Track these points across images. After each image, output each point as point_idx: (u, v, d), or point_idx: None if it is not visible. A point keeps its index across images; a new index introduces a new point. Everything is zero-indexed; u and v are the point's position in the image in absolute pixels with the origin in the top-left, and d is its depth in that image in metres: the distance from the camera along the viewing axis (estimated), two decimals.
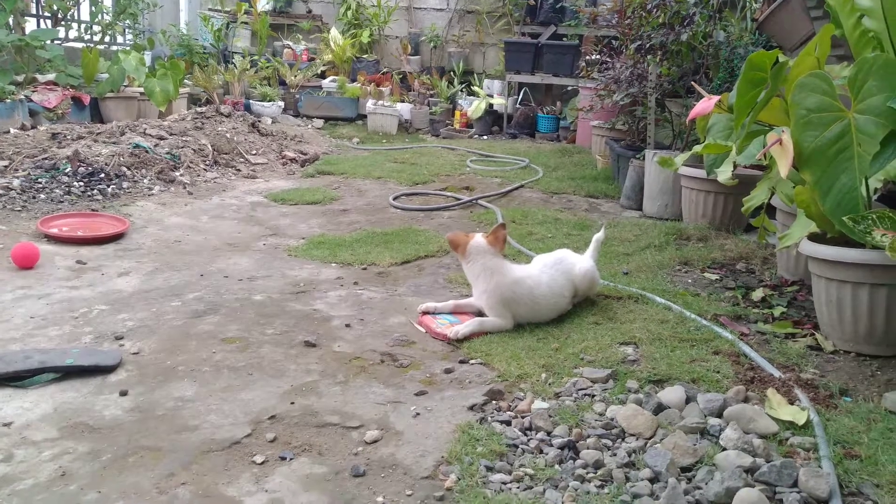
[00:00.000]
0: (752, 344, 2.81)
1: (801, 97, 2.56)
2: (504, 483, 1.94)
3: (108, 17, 8.48)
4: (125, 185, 5.15)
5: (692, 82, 4.43)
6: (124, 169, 5.34)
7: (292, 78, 9.40)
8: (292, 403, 2.36)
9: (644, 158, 5.09)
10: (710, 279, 3.60)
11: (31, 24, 7.86)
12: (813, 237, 2.85)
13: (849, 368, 2.64)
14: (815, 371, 2.60)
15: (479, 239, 3.04)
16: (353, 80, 9.69)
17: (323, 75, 9.93)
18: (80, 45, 8.30)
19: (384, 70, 10.16)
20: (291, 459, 2.06)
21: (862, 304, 2.65)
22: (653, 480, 1.96)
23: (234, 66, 9.16)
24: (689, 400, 2.32)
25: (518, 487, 1.93)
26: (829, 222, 2.62)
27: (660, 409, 2.27)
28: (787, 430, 2.18)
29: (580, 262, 3.16)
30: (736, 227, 4.38)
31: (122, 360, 2.61)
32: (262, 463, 2.04)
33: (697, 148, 3.52)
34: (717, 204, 4.39)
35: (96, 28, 8.56)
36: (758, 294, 3.33)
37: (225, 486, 1.93)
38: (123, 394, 2.39)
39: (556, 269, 3.08)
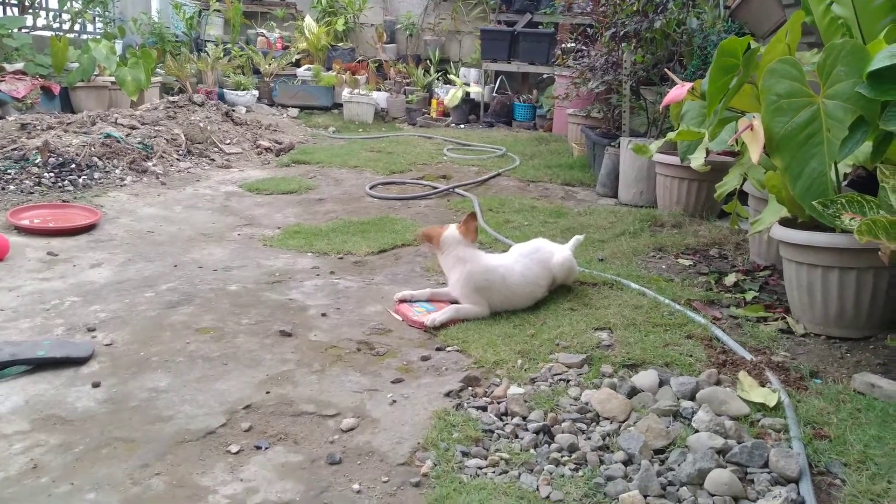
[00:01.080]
0: (725, 328, 2.85)
1: (771, 83, 2.58)
2: (480, 468, 1.95)
3: (77, 5, 8.33)
4: (97, 175, 5.08)
5: (666, 69, 4.46)
6: (96, 159, 5.26)
7: (266, 66, 9.31)
8: (268, 393, 2.35)
9: (619, 146, 5.12)
10: (684, 265, 3.63)
11: None
12: (784, 222, 2.89)
13: (819, 351, 2.69)
14: (786, 354, 2.64)
15: (452, 230, 3.05)
16: (329, 69, 9.62)
17: (298, 64, 9.84)
18: (48, 33, 8.15)
19: (360, 58, 10.09)
20: (267, 448, 2.05)
21: (832, 287, 2.69)
22: (626, 463, 1.98)
23: (207, 54, 9.04)
24: (662, 383, 2.35)
25: (494, 472, 1.94)
26: (800, 207, 2.65)
27: (633, 392, 2.30)
28: (758, 412, 2.21)
29: (558, 252, 3.18)
30: (709, 214, 4.43)
31: (94, 351, 2.58)
32: (237, 452, 2.03)
33: (671, 135, 3.55)
34: (691, 190, 4.43)
35: (65, 16, 8.40)
36: (730, 279, 3.37)
37: (199, 475, 1.92)
38: (96, 385, 2.37)
39: (532, 258, 3.09)
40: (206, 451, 2.04)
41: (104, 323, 2.85)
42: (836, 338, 2.76)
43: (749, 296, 3.18)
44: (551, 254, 3.15)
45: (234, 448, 2.04)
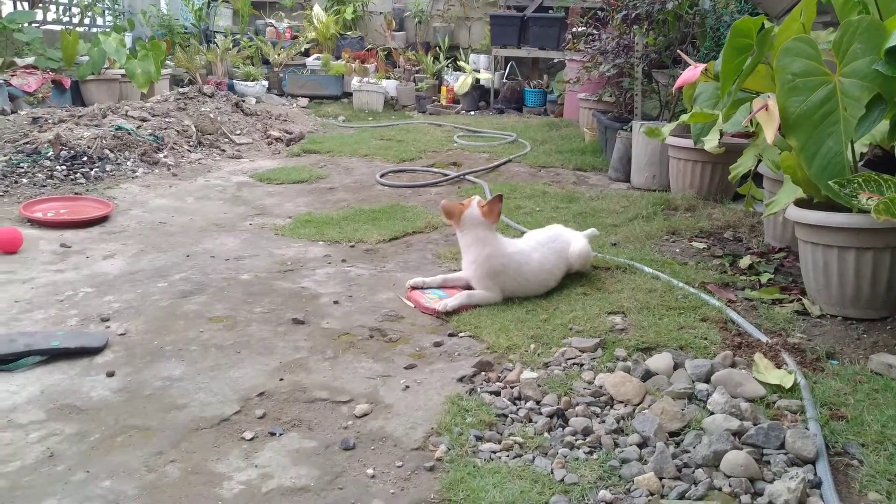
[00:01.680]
0: (740, 310, 2.82)
1: (786, 62, 2.54)
2: (494, 452, 1.95)
3: None
4: (108, 167, 5.10)
5: (679, 51, 4.41)
6: (107, 152, 5.28)
7: (276, 56, 9.29)
8: (281, 380, 2.36)
9: (631, 130, 5.07)
10: (698, 248, 3.60)
11: (7, 7, 7.73)
12: (799, 203, 2.85)
13: (835, 332, 2.66)
14: (802, 335, 2.62)
15: (474, 208, 3.01)
16: (338, 58, 9.59)
17: (307, 53, 9.82)
18: (58, 27, 8.17)
19: (369, 47, 10.05)
20: (281, 435, 2.06)
21: (848, 268, 2.66)
22: (641, 445, 1.97)
23: (217, 45, 9.04)
24: (676, 366, 2.33)
25: (508, 456, 1.94)
26: (816, 187, 2.62)
27: (648, 375, 2.28)
28: (774, 394, 2.19)
29: (575, 241, 3.14)
30: (723, 196, 4.38)
31: (108, 341, 2.59)
32: (252, 439, 2.03)
33: (684, 117, 3.51)
34: (705, 173, 4.38)
35: (75, 10, 8.42)
36: (745, 261, 3.33)
37: (214, 462, 1.93)
38: (110, 375, 2.38)
39: (549, 247, 3.05)
40: (221, 438, 2.05)
41: (118, 313, 2.86)
42: (852, 319, 2.73)
43: (764, 278, 3.15)
44: (568, 243, 3.11)
45: (248, 435, 2.05)
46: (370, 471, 1.89)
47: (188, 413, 2.17)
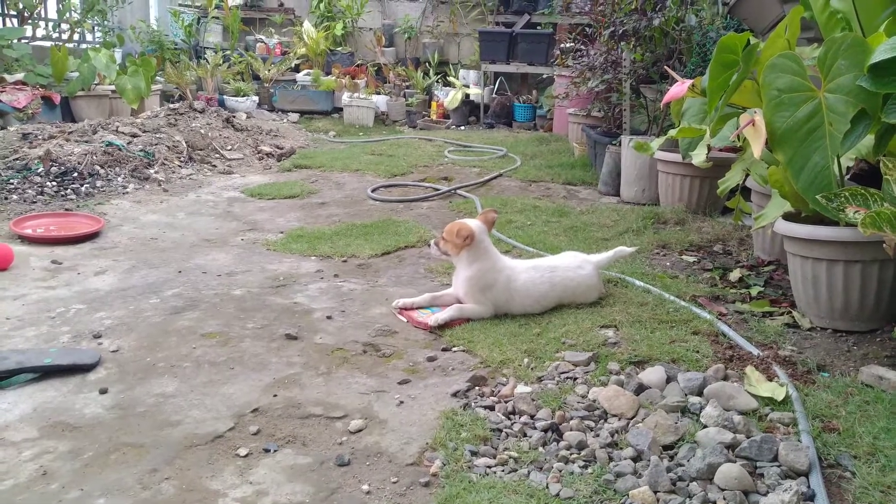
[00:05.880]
0: (731, 323, 2.85)
1: (772, 78, 2.59)
2: (489, 467, 1.96)
3: (76, 15, 8.35)
4: (99, 183, 5.09)
5: (665, 67, 4.46)
6: (98, 167, 5.27)
7: (266, 72, 9.32)
8: (275, 396, 2.35)
9: (620, 144, 5.12)
10: (688, 261, 3.63)
11: None
12: (787, 216, 2.89)
13: (826, 344, 2.68)
14: (792, 348, 2.64)
15: (478, 222, 3.03)
16: (328, 73, 9.62)
17: (297, 69, 9.85)
18: (48, 43, 8.17)
19: (359, 62, 10.10)
20: (275, 451, 2.06)
21: (837, 280, 2.69)
22: (636, 459, 1.98)
23: (207, 61, 9.05)
24: (669, 379, 2.35)
25: (503, 471, 1.94)
26: (803, 201, 2.66)
27: (641, 389, 2.30)
28: (766, 406, 2.21)
29: (579, 271, 3.04)
30: (712, 210, 4.42)
31: (101, 358, 2.59)
32: (246, 456, 2.03)
33: (672, 132, 3.55)
34: (693, 187, 4.43)
35: (64, 26, 8.42)
36: (735, 274, 3.37)
37: (209, 479, 1.93)
38: (103, 392, 2.37)
39: (542, 274, 2.98)
40: (215, 454, 2.04)
41: (110, 330, 2.85)
42: (842, 331, 2.76)
43: (754, 291, 3.18)
44: (567, 276, 3.01)
45: (242, 451, 2.04)
46: (365, 487, 1.89)
47: (182, 430, 2.16)
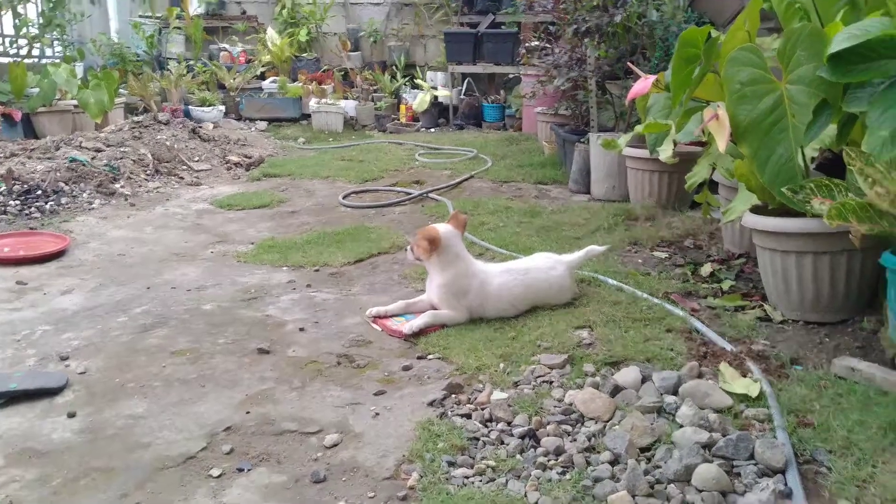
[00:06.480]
0: (704, 319, 2.85)
1: (733, 71, 2.60)
2: (466, 477, 1.94)
3: (34, 30, 8.16)
4: (64, 200, 4.99)
5: (629, 63, 4.48)
6: (62, 184, 5.17)
7: (231, 81, 9.21)
8: (248, 413, 2.31)
9: (588, 142, 5.13)
10: (660, 257, 3.65)
11: None
12: (755, 209, 2.90)
13: (798, 337, 2.70)
14: (765, 342, 2.65)
15: (447, 227, 3.00)
16: (294, 80, 9.54)
17: (263, 76, 9.76)
18: (5, 59, 7.99)
19: (325, 68, 10.02)
20: (249, 470, 2.02)
21: (806, 272, 2.71)
22: (613, 463, 1.97)
23: (170, 72, 8.91)
24: (644, 379, 2.35)
25: (481, 481, 1.92)
26: (770, 194, 2.67)
27: (616, 390, 2.29)
28: (741, 403, 2.22)
29: (551, 272, 3.03)
30: (681, 205, 4.44)
31: (68, 380, 2.52)
32: (219, 476, 1.99)
33: (639, 128, 3.56)
34: (662, 182, 4.45)
35: (22, 41, 8.24)
36: (706, 269, 3.38)
37: (181, 502, 1.88)
38: (71, 415, 2.32)
39: (516, 277, 2.96)
40: (187, 476, 2.00)
41: (77, 351, 2.79)
42: (813, 323, 2.78)
43: (725, 285, 3.20)
44: (539, 278, 3.00)
45: (215, 472, 2.00)
46: (342, 503, 1.86)
47: (153, 452, 2.11)
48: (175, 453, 2.10)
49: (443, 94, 9.08)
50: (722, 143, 2.61)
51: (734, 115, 2.58)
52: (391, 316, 3.01)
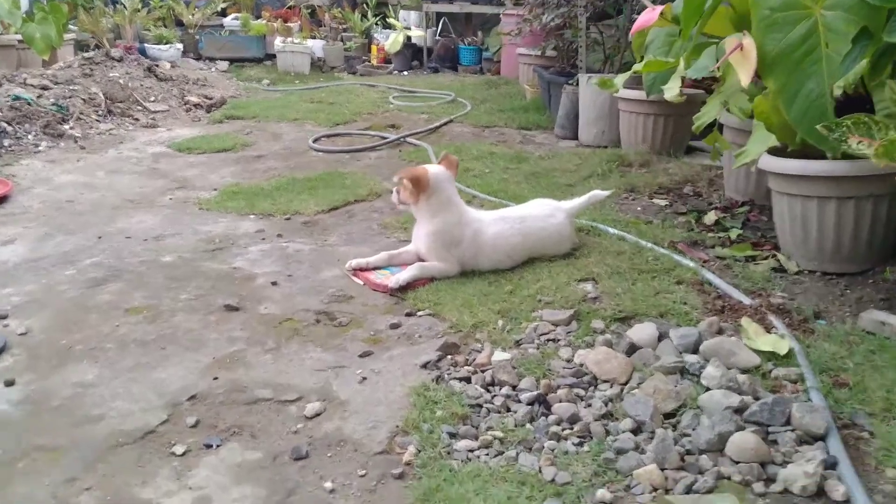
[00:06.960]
0: (714, 270, 2.64)
1: None
2: (471, 450, 1.71)
3: None
4: (6, 142, 4.59)
5: None
6: (4, 124, 4.75)
7: (190, 17, 8.66)
8: (216, 379, 2.04)
9: (577, 84, 4.83)
10: (660, 205, 3.41)
11: None
12: (772, 152, 2.66)
13: (816, 289, 2.50)
14: (783, 294, 2.45)
15: (439, 167, 2.71)
16: (258, 17, 9.03)
17: (224, 13, 9.21)
18: None
19: (291, 4, 9.48)
20: (219, 446, 1.76)
21: (828, 219, 2.50)
22: (635, 431, 1.75)
23: (124, 6, 8.33)
24: (661, 337, 2.13)
25: (487, 455, 1.69)
26: (792, 134, 2.43)
27: (632, 349, 2.07)
28: (769, 362, 2.01)
29: (550, 220, 2.77)
30: (677, 150, 4.20)
31: (6, 342, 2.23)
32: (184, 454, 1.73)
33: (637, 66, 3.27)
34: (658, 126, 4.19)
35: None
36: (710, 217, 3.16)
37: (139, 487, 1.62)
38: (10, 384, 2.04)
39: (512, 225, 2.70)
40: (146, 455, 1.73)
41: (18, 308, 2.47)
42: (832, 273, 2.58)
43: (733, 234, 2.98)
44: (537, 225, 2.75)
45: (179, 449, 1.74)
46: (328, 484, 1.62)
47: (105, 426, 1.84)
48: (131, 427, 1.82)
49: (417, 34, 8.65)
50: (746, 76, 2.33)
51: (762, 44, 2.29)
52: (374, 268, 2.73)
